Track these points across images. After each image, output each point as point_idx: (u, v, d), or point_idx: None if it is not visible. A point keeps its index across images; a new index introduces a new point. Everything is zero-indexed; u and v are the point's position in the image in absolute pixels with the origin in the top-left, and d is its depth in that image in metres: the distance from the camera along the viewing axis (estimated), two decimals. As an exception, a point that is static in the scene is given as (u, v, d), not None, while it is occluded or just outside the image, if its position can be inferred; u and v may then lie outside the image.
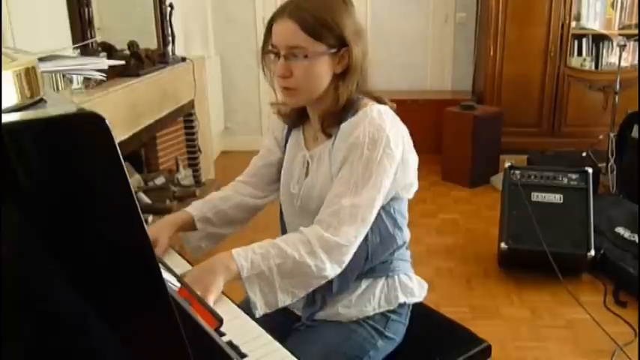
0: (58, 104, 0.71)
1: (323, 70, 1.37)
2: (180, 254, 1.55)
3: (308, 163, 1.49)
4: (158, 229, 1.53)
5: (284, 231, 1.61)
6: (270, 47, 1.40)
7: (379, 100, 1.44)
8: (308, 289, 1.31)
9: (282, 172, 1.58)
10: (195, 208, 1.60)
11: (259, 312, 1.24)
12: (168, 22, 3.88)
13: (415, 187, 1.49)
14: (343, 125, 1.39)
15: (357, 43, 1.38)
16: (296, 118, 1.55)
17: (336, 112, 1.41)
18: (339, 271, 1.32)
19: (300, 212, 1.49)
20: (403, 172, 1.41)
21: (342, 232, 1.29)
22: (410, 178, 1.46)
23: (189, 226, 1.59)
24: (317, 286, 1.32)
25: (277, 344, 1.15)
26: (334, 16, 1.35)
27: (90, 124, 0.56)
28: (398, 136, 1.37)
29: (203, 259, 1.33)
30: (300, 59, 1.34)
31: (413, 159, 1.45)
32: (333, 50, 1.36)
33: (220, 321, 1.11)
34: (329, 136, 1.44)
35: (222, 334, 1.12)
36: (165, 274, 1.19)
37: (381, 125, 1.34)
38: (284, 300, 1.27)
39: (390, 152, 1.34)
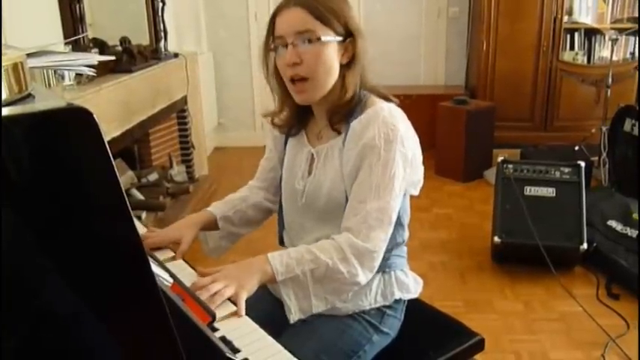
0: (46, 99, 0.71)
1: (332, 57, 1.37)
2: (182, 259, 1.55)
3: (313, 160, 1.48)
4: (183, 227, 1.55)
5: (282, 227, 1.61)
6: (273, 42, 1.40)
7: (385, 98, 1.44)
8: (341, 295, 1.32)
9: (284, 169, 1.57)
10: (216, 208, 1.63)
11: (294, 317, 1.26)
12: (161, 18, 3.87)
13: (421, 183, 1.50)
14: (353, 123, 1.38)
15: (360, 36, 1.40)
16: (293, 126, 1.55)
17: (344, 107, 1.41)
18: (370, 276, 1.34)
19: (304, 209, 1.49)
20: (413, 169, 1.42)
21: (372, 238, 1.31)
22: (419, 174, 1.47)
23: (211, 225, 1.61)
24: (349, 292, 1.35)
25: (271, 339, 1.15)
26: (340, 6, 1.38)
27: (78, 119, 0.55)
28: (409, 134, 1.39)
29: (207, 260, 1.33)
30: (310, 44, 1.34)
31: (419, 156, 1.46)
32: (340, 39, 1.37)
33: (213, 316, 1.11)
34: (337, 132, 1.43)
35: (215, 330, 1.12)
36: (158, 270, 1.19)
37: (394, 124, 1.35)
38: (318, 306, 1.29)
39: (404, 151, 1.35)
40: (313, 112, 1.51)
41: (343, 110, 1.41)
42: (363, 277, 1.31)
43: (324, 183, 1.43)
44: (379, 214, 1.32)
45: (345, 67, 1.40)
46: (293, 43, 1.35)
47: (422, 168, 1.48)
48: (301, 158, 1.51)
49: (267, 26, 1.41)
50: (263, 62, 1.46)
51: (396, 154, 1.33)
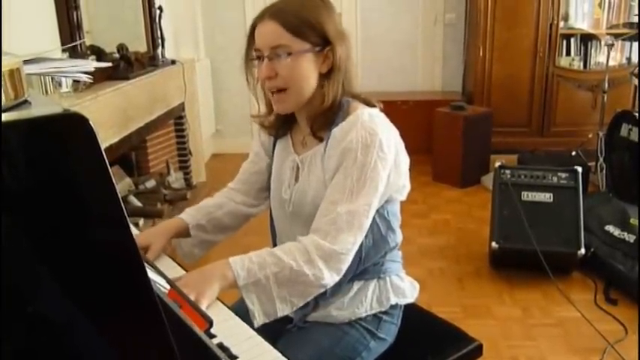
0: (42, 105, 0.71)
1: (308, 68, 1.37)
2: (174, 260, 1.55)
3: (298, 168, 1.48)
4: (152, 235, 1.54)
5: (274, 237, 1.61)
6: (253, 53, 1.40)
7: (368, 103, 1.44)
8: (306, 298, 1.30)
9: (272, 177, 1.57)
10: (189, 215, 1.61)
11: (258, 321, 1.24)
12: (158, 25, 3.87)
13: (408, 188, 1.49)
14: (335, 130, 1.38)
15: (340, 44, 1.38)
16: (280, 128, 1.55)
17: (325, 114, 1.40)
18: (337, 279, 1.32)
19: (292, 217, 1.49)
20: (396, 175, 1.41)
21: (340, 240, 1.29)
22: (402, 180, 1.46)
23: (184, 232, 1.59)
24: (316, 294, 1.32)
25: (269, 346, 1.15)
26: (316, 15, 1.36)
27: (74, 126, 0.55)
28: (390, 139, 1.37)
29: (197, 265, 1.33)
30: (284, 58, 1.34)
31: (404, 160, 1.45)
32: (317, 49, 1.36)
33: (210, 323, 1.10)
34: (320, 140, 1.43)
35: (212, 336, 1.12)
36: (155, 277, 1.19)
37: (373, 129, 1.33)
38: (283, 309, 1.26)
39: (384, 155, 1.33)
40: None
41: (324, 118, 1.41)
42: (329, 279, 1.29)
43: (309, 191, 1.43)
44: (349, 217, 1.30)
45: (325, 76, 1.39)
46: (269, 56, 1.35)
47: (407, 173, 1.47)
48: (287, 167, 1.51)
49: (247, 37, 1.42)
50: (246, 71, 1.46)
51: (374, 158, 1.32)
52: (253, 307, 1.24)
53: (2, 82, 0.64)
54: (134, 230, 1.67)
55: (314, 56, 1.37)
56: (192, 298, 1.17)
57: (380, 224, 1.45)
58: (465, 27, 5.36)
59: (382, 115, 1.41)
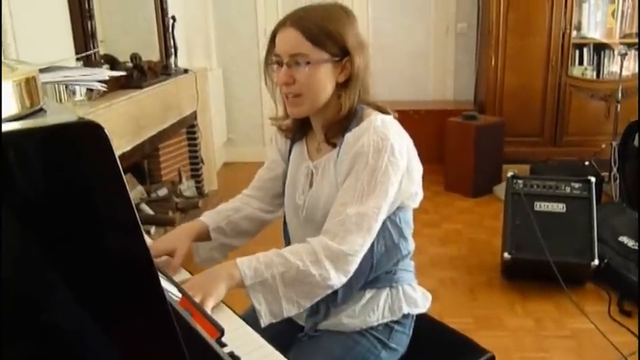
0: (57, 113, 0.72)
1: (325, 77, 1.37)
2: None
3: (312, 174, 1.49)
4: (175, 239, 1.53)
5: (288, 242, 1.61)
6: (273, 57, 1.41)
7: (382, 110, 1.44)
8: (313, 298, 1.30)
9: (287, 183, 1.57)
10: (209, 218, 1.61)
11: (264, 321, 1.24)
12: (171, 35, 3.90)
13: (420, 196, 1.49)
14: (347, 135, 1.39)
15: (359, 54, 1.39)
16: (298, 132, 1.56)
17: (340, 122, 1.42)
18: (344, 280, 1.31)
19: (305, 223, 1.49)
20: (408, 182, 1.41)
21: (348, 242, 1.29)
22: (415, 187, 1.45)
23: (204, 235, 1.59)
24: (323, 296, 1.32)
25: (280, 355, 1.14)
26: (337, 26, 1.37)
27: (89, 133, 0.56)
28: (402, 145, 1.37)
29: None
30: (303, 66, 1.35)
31: (418, 168, 1.45)
32: (336, 59, 1.37)
33: (222, 331, 1.10)
34: (333, 145, 1.44)
35: (223, 345, 1.11)
36: (167, 285, 1.19)
37: (385, 134, 1.34)
38: (289, 310, 1.27)
39: (395, 161, 1.34)
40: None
41: (339, 125, 1.42)
42: (336, 280, 1.29)
43: (322, 196, 1.43)
44: (358, 219, 1.30)
45: (342, 86, 1.40)
46: (287, 63, 1.36)
47: (420, 181, 1.47)
48: (301, 173, 1.52)
49: (268, 42, 1.43)
50: (266, 74, 1.47)
51: (385, 163, 1.32)
52: (260, 306, 1.24)
53: (19, 90, 0.65)
54: (149, 240, 1.68)
55: (332, 66, 1.38)
56: (198, 299, 1.17)
57: (392, 231, 1.45)
58: (477, 36, 5.35)
59: (395, 122, 1.42)
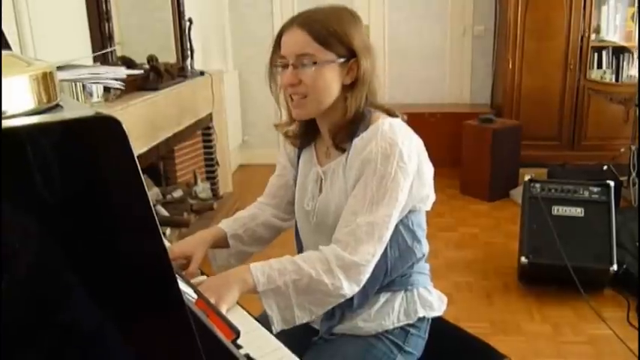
0: (74, 109, 0.71)
1: (332, 78, 1.36)
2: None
3: (321, 180, 1.48)
4: (193, 244, 1.53)
5: (300, 248, 1.60)
6: (278, 61, 1.41)
7: (390, 113, 1.43)
8: (325, 307, 1.31)
9: (296, 189, 1.57)
10: (226, 225, 1.61)
11: (276, 327, 1.24)
12: (187, 37, 3.92)
13: (432, 198, 1.47)
14: (356, 140, 1.38)
15: (365, 56, 1.38)
16: (304, 138, 1.55)
17: (347, 125, 1.40)
18: (356, 290, 1.31)
19: (316, 229, 1.48)
20: (419, 184, 1.40)
21: (360, 251, 1.29)
22: (426, 190, 1.44)
23: (221, 242, 1.59)
24: (335, 304, 1.32)
25: (295, 358, 1.14)
26: (344, 27, 1.36)
27: (107, 128, 0.55)
28: (411, 149, 1.35)
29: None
30: (309, 66, 1.34)
31: (428, 170, 1.43)
32: (342, 60, 1.36)
33: (237, 333, 1.09)
34: (342, 150, 1.43)
35: (239, 347, 1.11)
36: (183, 286, 1.18)
37: (393, 139, 1.33)
38: (301, 317, 1.27)
39: (404, 166, 1.32)
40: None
41: (346, 129, 1.41)
42: (348, 290, 1.29)
43: (332, 201, 1.42)
44: (369, 229, 1.30)
45: (349, 88, 1.39)
46: (293, 64, 1.35)
47: (431, 183, 1.45)
48: (310, 179, 1.51)
49: (273, 43, 1.42)
50: (270, 78, 1.46)
51: (394, 169, 1.31)
52: (272, 313, 1.25)
53: (36, 86, 0.64)
54: (165, 241, 1.67)
55: (339, 67, 1.37)
56: (212, 301, 1.18)
57: (405, 235, 1.44)
58: (494, 39, 5.32)
59: (404, 125, 1.41)
